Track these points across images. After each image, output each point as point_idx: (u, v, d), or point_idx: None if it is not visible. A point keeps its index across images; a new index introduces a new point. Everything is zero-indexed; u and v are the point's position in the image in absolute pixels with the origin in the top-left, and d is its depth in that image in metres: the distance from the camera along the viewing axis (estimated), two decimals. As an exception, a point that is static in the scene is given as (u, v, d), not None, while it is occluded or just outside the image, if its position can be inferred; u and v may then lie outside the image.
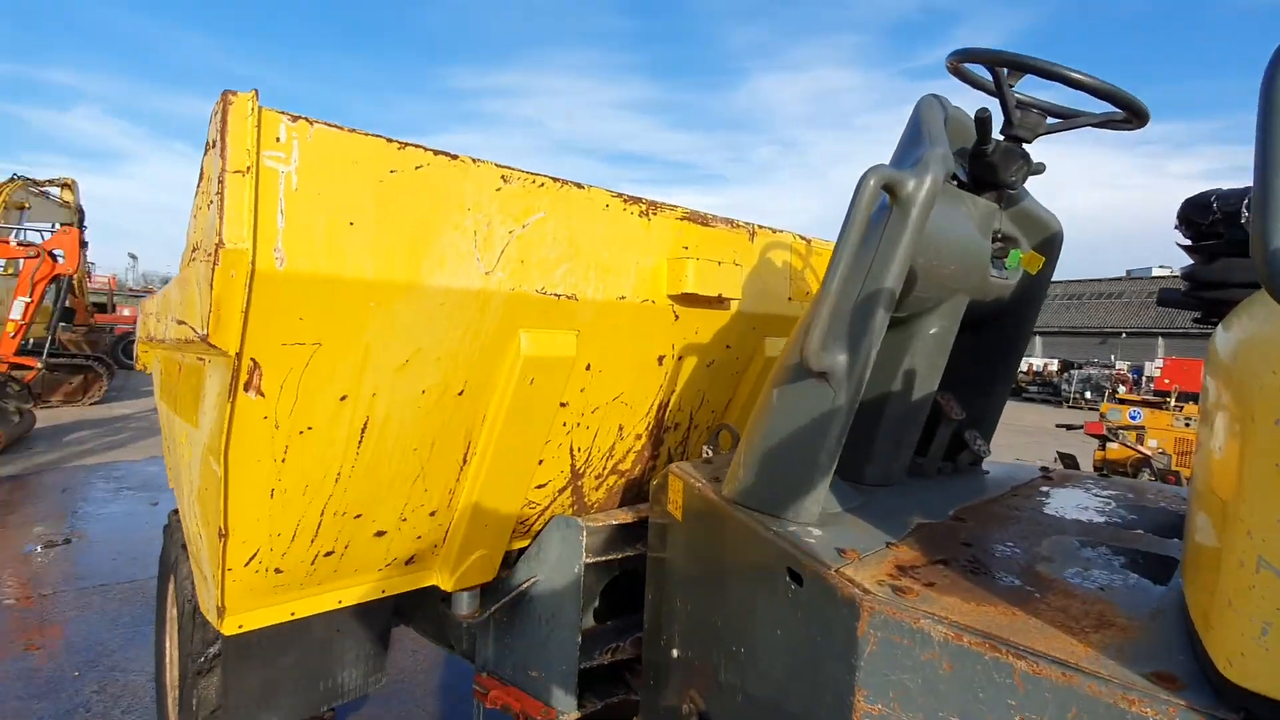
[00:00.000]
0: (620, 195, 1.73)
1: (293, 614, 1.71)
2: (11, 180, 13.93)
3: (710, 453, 1.95)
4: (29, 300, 8.33)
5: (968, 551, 1.29)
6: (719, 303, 1.95)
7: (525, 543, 2.14)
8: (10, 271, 11.43)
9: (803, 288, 2.30)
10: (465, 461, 1.75)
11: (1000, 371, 2.07)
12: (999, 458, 2.15)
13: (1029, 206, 1.87)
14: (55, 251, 8.48)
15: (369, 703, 3.16)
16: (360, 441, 1.51)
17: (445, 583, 1.93)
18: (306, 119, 1.23)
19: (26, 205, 14.01)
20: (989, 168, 1.68)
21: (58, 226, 9.01)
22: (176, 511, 2.57)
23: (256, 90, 1.16)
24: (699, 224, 1.92)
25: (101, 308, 19.21)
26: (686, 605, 1.57)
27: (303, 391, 1.37)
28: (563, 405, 1.82)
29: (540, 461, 1.90)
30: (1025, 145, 1.69)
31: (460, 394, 1.61)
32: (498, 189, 1.49)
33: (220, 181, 1.14)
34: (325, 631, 1.80)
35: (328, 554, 1.65)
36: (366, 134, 1.30)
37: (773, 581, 1.28)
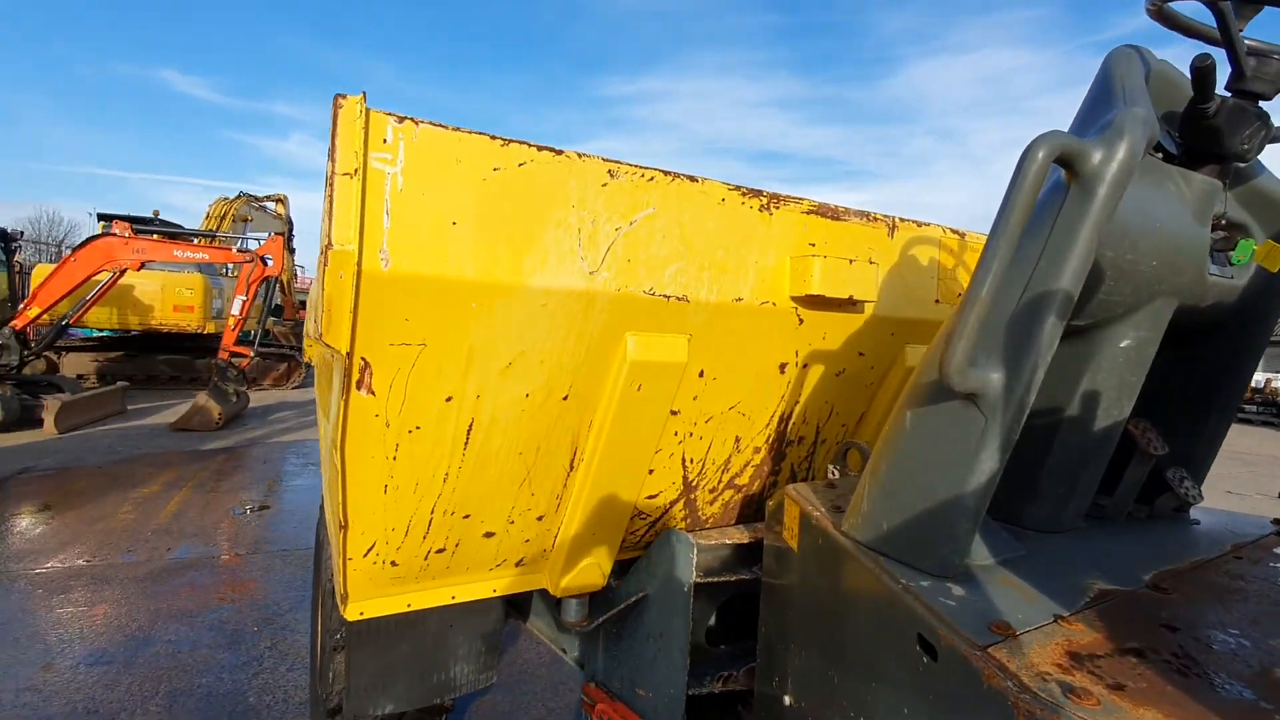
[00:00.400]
0: (738, 188, 1.60)
1: (409, 605, 1.76)
2: (238, 197, 16.53)
3: (835, 474, 1.75)
4: (245, 298, 9.76)
5: (1173, 639, 0.98)
6: (851, 305, 1.75)
7: (638, 554, 2.07)
8: (234, 274, 13.60)
9: (953, 288, 2.01)
10: (572, 468, 1.71)
11: (1219, 396, 1.63)
12: (1212, 499, 1.73)
13: (1266, 184, 1.48)
14: (266, 256, 9.81)
15: (491, 691, 3.26)
16: (466, 443, 1.51)
17: (553, 587, 1.91)
18: (413, 119, 1.23)
19: (249, 218, 16.58)
20: (1210, 133, 1.32)
21: (271, 235, 10.47)
22: (328, 496, 2.81)
23: (365, 93, 1.18)
24: (828, 218, 1.73)
25: (305, 305, 22.29)
26: (801, 649, 1.38)
27: (410, 391, 1.38)
28: (674, 413, 1.72)
29: (650, 471, 1.81)
30: (1262, 104, 1.31)
31: (565, 398, 1.56)
32: (604, 184, 1.42)
33: (330, 184, 1.17)
34: (439, 626, 1.84)
35: (439, 551, 1.68)
36: (470, 132, 1.29)
37: (900, 646, 1.05)
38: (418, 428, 1.44)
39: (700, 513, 2.00)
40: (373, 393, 1.35)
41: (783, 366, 1.80)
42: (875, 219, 1.83)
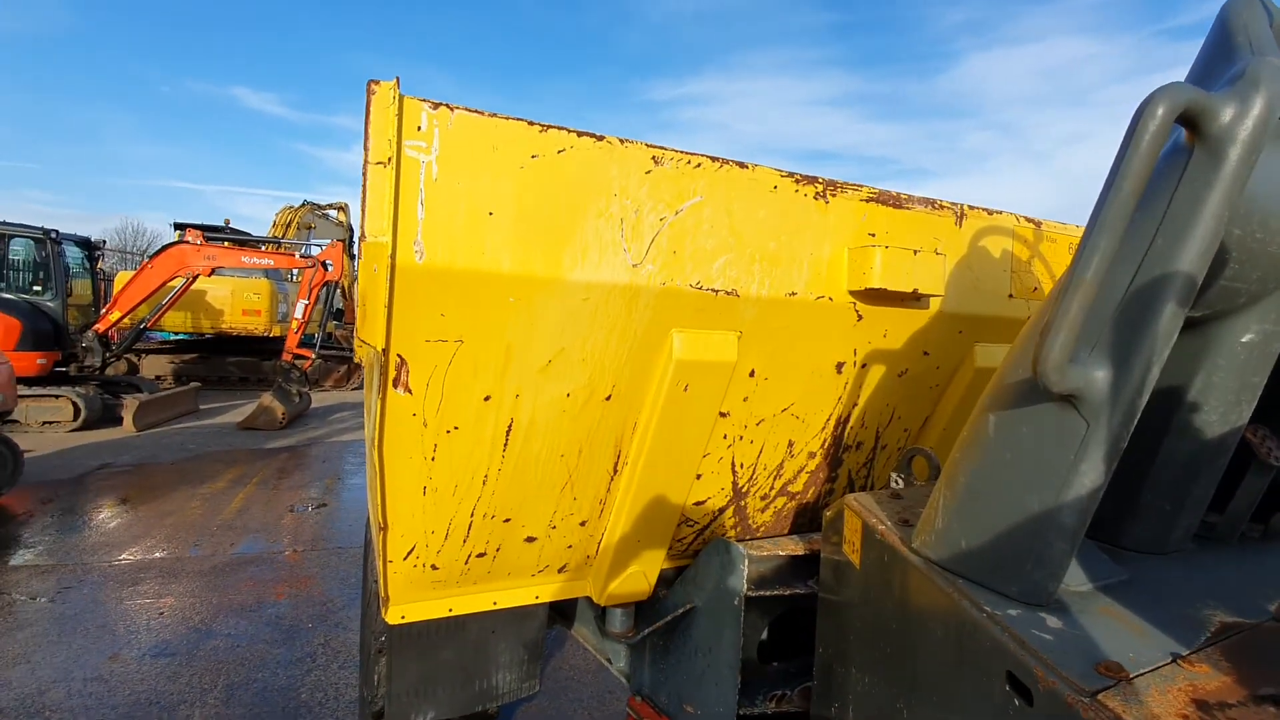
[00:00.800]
0: (791, 175, 1.50)
1: (450, 610, 1.71)
2: (303, 205, 17.22)
3: (900, 483, 1.61)
4: (307, 302, 10.12)
5: None
6: (914, 300, 1.62)
7: (686, 562, 1.98)
8: (298, 280, 14.19)
9: (1028, 282, 1.86)
10: (616, 471, 1.63)
11: None
12: None
13: None
14: (326, 262, 10.14)
15: (535, 697, 3.22)
16: (505, 444, 1.45)
17: (597, 595, 1.84)
18: (448, 105, 1.18)
19: (313, 225, 17.26)
20: None
21: (331, 242, 10.84)
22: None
23: (398, 78, 1.14)
24: (890, 205, 1.61)
25: None
26: (864, 674, 1.25)
27: (448, 390, 1.33)
28: (723, 415, 1.62)
29: (699, 476, 1.72)
30: None
31: (608, 399, 1.49)
32: (648, 171, 1.34)
33: (363, 174, 1.13)
34: (481, 633, 1.80)
35: (480, 555, 1.63)
36: (507, 118, 1.23)
37: (985, 685, 0.92)
38: (456, 428, 1.39)
39: (751, 520, 1.90)
40: (410, 391, 1.31)
41: (840, 366, 1.69)
42: (942, 206, 1.70)
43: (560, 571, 1.81)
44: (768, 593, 1.72)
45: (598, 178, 1.30)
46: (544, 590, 1.83)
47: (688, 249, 1.40)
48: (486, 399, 1.38)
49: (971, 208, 1.76)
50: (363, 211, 1.13)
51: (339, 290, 11.94)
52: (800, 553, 1.78)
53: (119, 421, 9.10)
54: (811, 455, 1.82)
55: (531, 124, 1.25)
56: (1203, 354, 1.18)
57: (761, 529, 1.94)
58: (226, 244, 11.17)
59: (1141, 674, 0.84)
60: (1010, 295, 1.83)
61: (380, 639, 1.90)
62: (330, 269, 10.16)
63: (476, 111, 1.21)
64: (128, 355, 12.16)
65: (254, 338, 13.94)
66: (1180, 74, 1.08)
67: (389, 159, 1.14)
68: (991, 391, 1.10)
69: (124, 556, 4.91)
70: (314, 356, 10.69)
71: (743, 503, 1.84)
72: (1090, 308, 0.88)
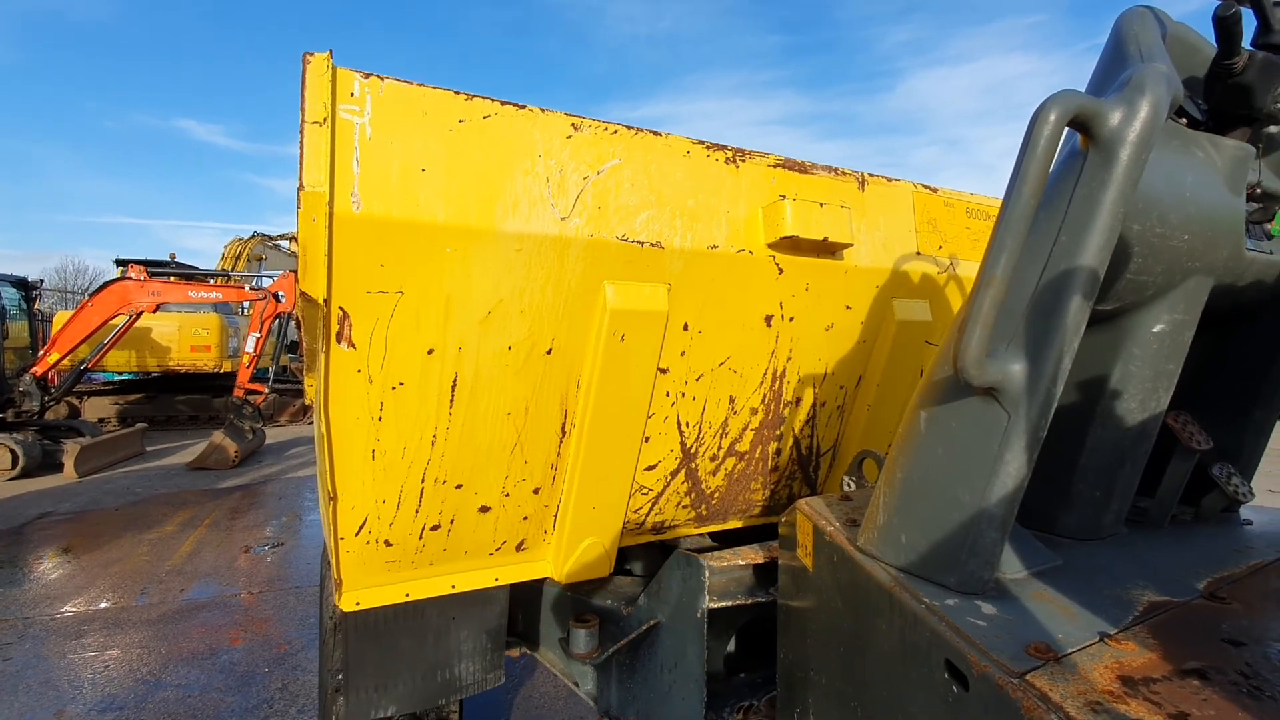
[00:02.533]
0: (701, 142, 1.65)
1: (407, 595, 1.70)
2: (253, 237, 17.05)
3: (851, 485, 1.66)
4: (259, 335, 9.93)
5: (1237, 656, 0.88)
6: (827, 250, 1.76)
7: (646, 538, 2.00)
8: (249, 313, 13.88)
9: (934, 240, 2.03)
10: (564, 434, 1.69)
11: (1264, 384, 1.49)
12: (1261, 498, 1.63)
13: None
14: (278, 293, 10.02)
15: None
16: (452, 401, 1.50)
17: (558, 572, 1.84)
18: (378, 76, 1.30)
19: (264, 257, 17.05)
20: (1238, 92, 1.21)
21: (284, 273, 10.70)
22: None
23: (331, 50, 1.26)
24: (796, 171, 1.78)
25: None
26: (822, 677, 1.26)
27: (391, 343, 1.40)
28: (662, 371, 1.71)
29: (646, 439, 1.78)
30: None
31: (549, 353, 1.56)
32: (568, 136, 1.48)
33: (301, 132, 1.23)
34: (440, 619, 1.77)
35: (434, 528, 1.64)
36: (435, 88, 1.36)
37: (926, 675, 0.95)
38: (401, 383, 1.44)
39: (704, 485, 1.95)
40: (353, 345, 1.37)
41: (769, 319, 1.80)
42: (844, 173, 1.87)
43: (519, 550, 1.82)
44: (730, 603, 1.73)
45: (522, 141, 1.43)
46: (503, 572, 1.82)
47: (611, 205, 1.52)
48: (430, 352, 1.44)
49: (872, 175, 1.94)
50: (301, 166, 1.23)
51: (293, 322, 11.72)
52: (761, 561, 1.80)
53: (60, 468, 8.76)
54: (754, 411, 1.90)
55: (458, 94, 1.38)
56: (1119, 345, 1.24)
57: (716, 495, 1.99)
58: (172, 279, 10.79)
59: (1070, 653, 0.87)
60: (918, 253, 1.99)
61: (337, 678, 1.84)
62: (283, 300, 9.92)
63: (406, 81, 1.33)
64: (68, 398, 11.62)
65: (203, 374, 13.43)
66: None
67: (324, 119, 1.24)
68: (922, 390, 1.14)
69: (67, 608, 4.69)
70: (267, 391, 10.40)
71: (693, 464, 1.89)
72: (1002, 304, 0.93)
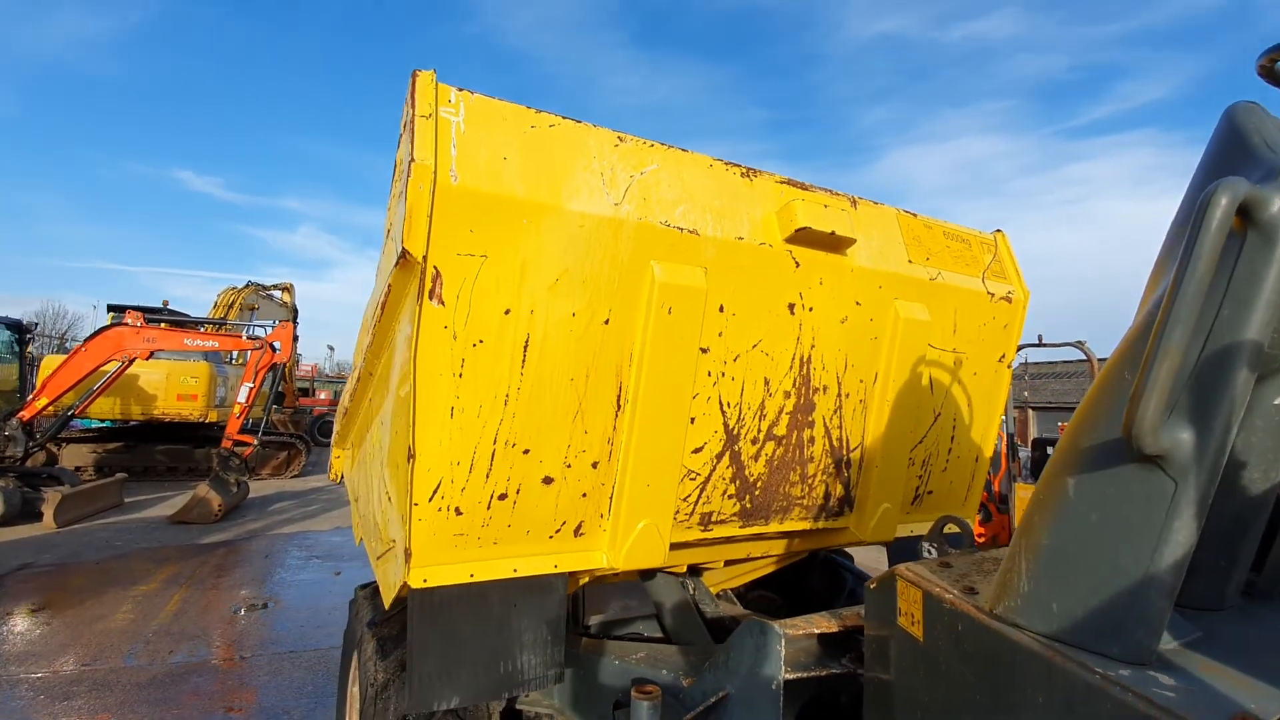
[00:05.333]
0: (720, 160, 1.99)
1: (471, 575, 1.72)
2: (246, 286, 16.81)
3: (933, 551, 1.68)
4: (252, 386, 9.53)
5: None
6: (835, 244, 2.04)
7: (695, 533, 2.05)
8: (240, 362, 13.07)
9: (920, 252, 2.33)
10: (619, 407, 1.83)
11: None
12: None
13: None
14: (274, 343, 9.81)
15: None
16: (524, 361, 1.67)
17: (615, 560, 1.87)
18: (469, 91, 1.64)
19: (256, 306, 16.72)
20: None
21: (277, 323, 10.46)
22: (363, 587, 2.70)
23: (435, 69, 1.60)
24: (799, 188, 2.11)
25: (305, 392, 22.65)
26: None
27: (474, 302, 1.59)
28: (704, 351, 1.89)
29: (692, 420, 1.92)
30: None
31: (606, 323, 1.76)
32: (615, 145, 1.80)
33: (411, 123, 1.53)
34: (503, 605, 1.76)
35: (502, 496, 1.71)
36: (511, 102, 1.70)
37: None
38: (481, 341, 1.61)
39: (748, 470, 2.05)
40: (442, 302, 1.56)
41: (791, 307, 2.03)
42: (839, 194, 2.22)
43: (576, 534, 1.86)
44: (804, 674, 1.68)
45: (580, 144, 1.75)
46: (562, 559, 1.86)
47: (654, 197, 1.81)
48: (507, 312, 1.63)
49: (861, 198, 2.28)
50: (412, 147, 1.51)
51: (282, 373, 11.31)
52: (834, 630, 1.78)
53: (38, 517, 8.15)
54: (787, 395, 2.06)
55: (528, 108, 1.72)
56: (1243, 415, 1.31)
57: (759, 482, 2.08)
58: (166, 325, 10.40)
59: None
60: (910, 261, 2.29)
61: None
62: (279, 350, 9.69)
63: (490, 97, 1.67)
64: (47, 445, 10.77)
65: (187, 424, 12.67)
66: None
67: (430, 114, 1.55)
68: (1064, 455, 1.14)
69: (53, 667, 4.30)
70: (255, 443, 9.83)
71: (736, 447, 2.01)
72: (1176, 373, 0.95)
